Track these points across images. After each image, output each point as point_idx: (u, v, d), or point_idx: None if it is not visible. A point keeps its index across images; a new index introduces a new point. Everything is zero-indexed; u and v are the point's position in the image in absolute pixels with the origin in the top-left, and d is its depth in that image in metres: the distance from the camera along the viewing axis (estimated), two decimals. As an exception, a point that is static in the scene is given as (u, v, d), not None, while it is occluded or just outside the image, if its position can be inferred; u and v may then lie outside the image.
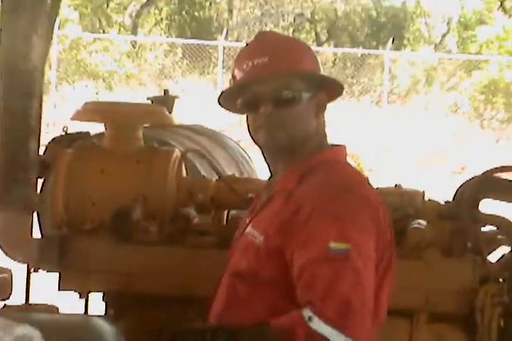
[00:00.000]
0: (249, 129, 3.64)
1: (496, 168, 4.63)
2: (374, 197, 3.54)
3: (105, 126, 4.68)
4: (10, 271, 3.12)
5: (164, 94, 5.56)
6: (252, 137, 3.64)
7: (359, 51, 33.03)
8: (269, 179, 3.78)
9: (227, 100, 3.71)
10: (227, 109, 3.80)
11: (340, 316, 3.24)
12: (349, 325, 3.24)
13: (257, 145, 3.65)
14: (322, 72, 3.82)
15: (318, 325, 3.22)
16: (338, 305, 3.25)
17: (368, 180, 3.77)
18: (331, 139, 3.71)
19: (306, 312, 3.24)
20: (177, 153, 4.66)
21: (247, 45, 3.77)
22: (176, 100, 5.57)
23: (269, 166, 3.73)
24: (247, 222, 3.66)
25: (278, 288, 3.44)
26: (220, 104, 3.75)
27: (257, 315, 3.42)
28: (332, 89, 3.76)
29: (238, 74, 3.63)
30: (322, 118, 3.67)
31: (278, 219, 3.47)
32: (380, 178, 4.68)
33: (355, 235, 3.33)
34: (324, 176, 3.52)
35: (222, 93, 3.71)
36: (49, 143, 4.88)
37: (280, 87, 3.58)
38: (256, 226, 3.57)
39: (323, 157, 3.63)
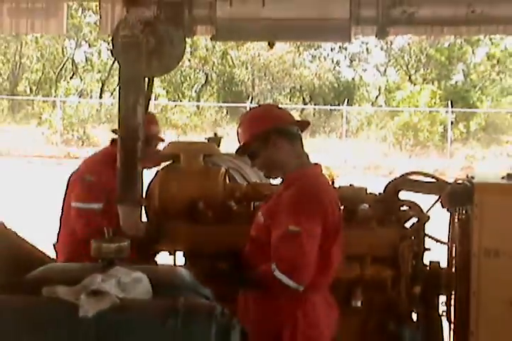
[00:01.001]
0: None
1: (408, 172, 4.64)
2: (328, 199, 3.54)
3: (181, 154, 4.69)
4: (128, 240, 3.12)
5: (215, 135, 5.55)
6: None
7: (328, 107, 33.00)
8: (280, 184, 3.79)
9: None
10: None
11: (290, 269, 3.34)
12: (295, 275, 3.34)
13: None
14: (290, 116, 3.73)
15: (278, 274, 3.33)
16: (288, 263, 3.34)
17: (331, 184, 3.79)
18: (316, 158, 3.69)
19: (273, 265, 3.34)
20: (223, 169, 4.67)
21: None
22: (222, 139, 5.56)
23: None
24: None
25: (268, 247, 3.46)
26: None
27: (261, 261, 3.46)
28: (300, 125, 3.71)
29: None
30: (286, 146, 3.57)
31: (271, 208, 3.55)
32: (342, 180, 4.66)
33: (304, 223, 3.37)
34: (298, 186, 3.52)
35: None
36: None
37: (247, 148, 3.65)
38: (262, 212, 3.61)
39: (304, 172, 3.60)
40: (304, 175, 3.58)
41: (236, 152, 3.74)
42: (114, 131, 5.14)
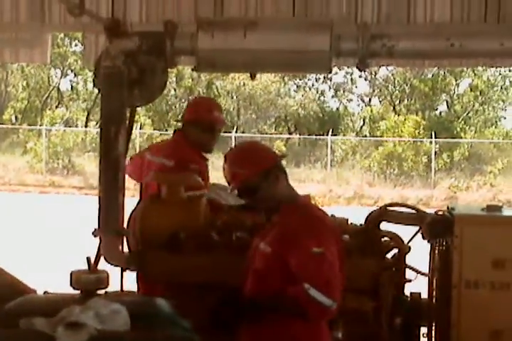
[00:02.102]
0: None
1: (388, 204, 4.67)
2: (331, 223, 3.72)
3: (163, 186, 4.66)
4: (107, 272, 3.12)
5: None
6: None
7: (313, 137, 33.00)
8: (266, 219, 3.80)
9: None
10: None
11: (326, 287, 3.35)
12: (331, 293, 3.36)
13: None
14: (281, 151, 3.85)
15: (315, 292, 3.33)
16: (323, 281, 3.36)
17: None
18: (300, 188, 3.74)
19: (306, 286, 3.34)
20: (204, 200, 4.66)
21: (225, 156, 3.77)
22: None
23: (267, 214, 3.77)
24: (258, 242, 3.68)
25: (276, 276, 3.50)
26: None
27: (270, 291, 3.50)
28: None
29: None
30: (281, 181, 3.66)
31: (277, 237, 3.55)
32: (325, 211, 4.67)
33: (325, 244, 3.45)
34: (303, 213, 3.62)
35: None
36: None
37: (247, 186, 3.64)
38: (265, 243, 3.59)
39: (297, 203, 3.69)
40: (301, 203, 3.71)
41: (235, 189, 3.68)
42: (178, 121, 5.84)
